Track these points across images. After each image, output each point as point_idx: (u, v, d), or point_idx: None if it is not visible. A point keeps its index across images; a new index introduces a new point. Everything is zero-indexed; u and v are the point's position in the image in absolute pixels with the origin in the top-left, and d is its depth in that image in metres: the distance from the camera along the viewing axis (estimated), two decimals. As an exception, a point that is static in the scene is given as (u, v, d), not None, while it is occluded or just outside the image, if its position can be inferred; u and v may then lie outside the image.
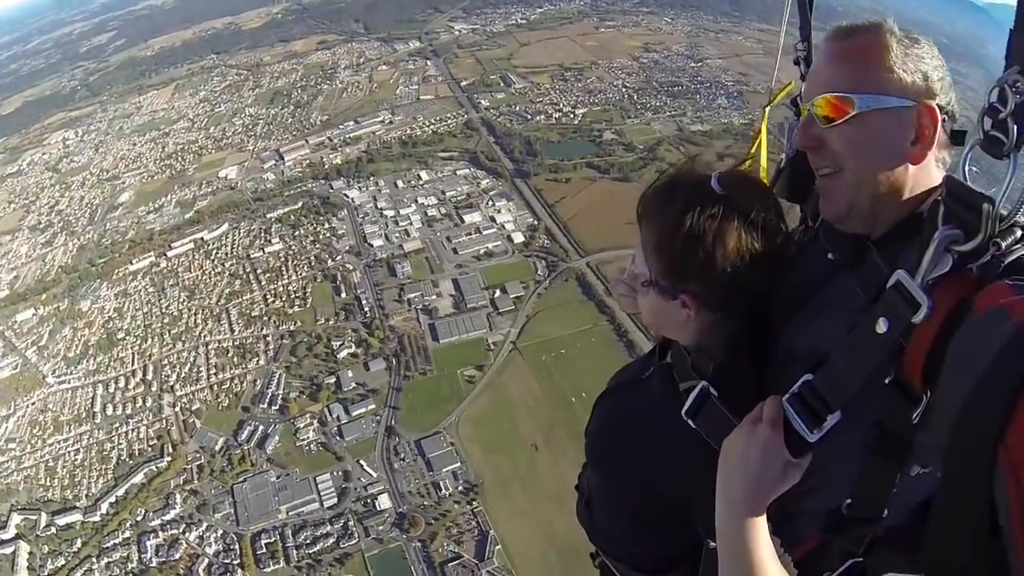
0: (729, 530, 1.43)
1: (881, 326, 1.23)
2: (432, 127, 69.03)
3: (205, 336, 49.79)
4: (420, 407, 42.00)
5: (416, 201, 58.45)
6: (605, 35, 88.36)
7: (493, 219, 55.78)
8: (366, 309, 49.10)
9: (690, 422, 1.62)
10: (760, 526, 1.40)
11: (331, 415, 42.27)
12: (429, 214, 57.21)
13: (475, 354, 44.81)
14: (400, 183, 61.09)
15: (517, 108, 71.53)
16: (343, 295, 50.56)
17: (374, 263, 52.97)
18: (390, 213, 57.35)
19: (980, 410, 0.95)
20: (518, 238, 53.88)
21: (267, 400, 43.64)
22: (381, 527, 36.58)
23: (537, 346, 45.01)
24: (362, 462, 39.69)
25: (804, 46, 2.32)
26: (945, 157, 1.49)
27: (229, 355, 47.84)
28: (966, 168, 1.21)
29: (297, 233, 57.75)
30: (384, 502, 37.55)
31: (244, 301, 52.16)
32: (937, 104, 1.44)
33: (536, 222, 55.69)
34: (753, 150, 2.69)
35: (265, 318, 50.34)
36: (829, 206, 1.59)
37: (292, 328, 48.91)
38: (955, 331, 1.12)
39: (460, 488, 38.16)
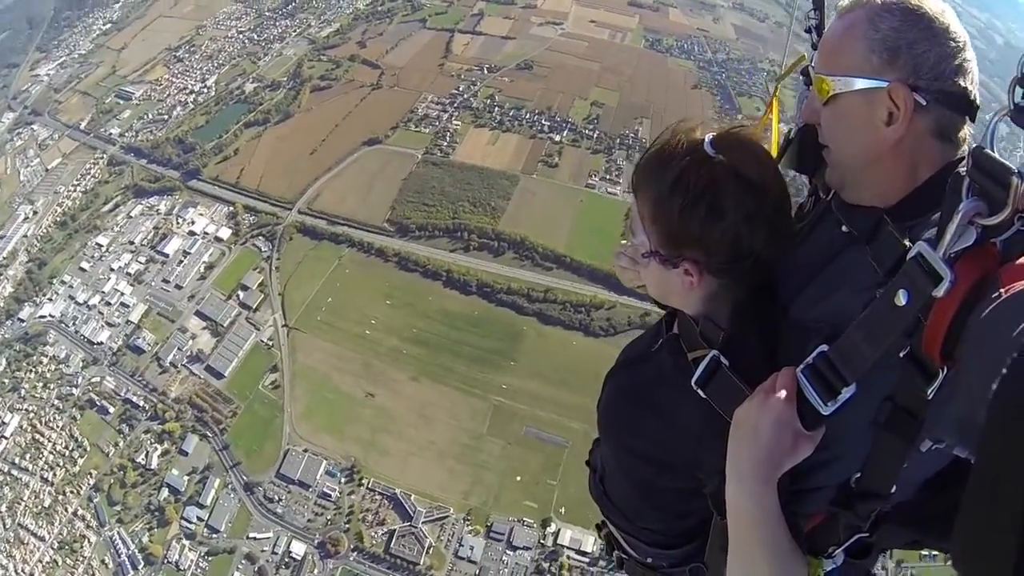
0: (740, 501, 1.26)
1: (900, 298, 1.02)
2: (79, 189, 50.81)
3: (22, 569, 34.77)
4: (255, 444, 34.28)
5: (112, 269, 43.90)
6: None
7: (193, 233, 44.60)
8: (141, 404, 37.04)
9: (700, 392, 1.38)
10: (771, 498, 1.23)
11: (191, 521, 32.98)
12: (132, 272, 43.67)
13: (262, 361, 36.99)
14: (85, 264, 45.49)
15: (150, 116, 55.69)
16: (112, 410, 37.67)
17: (115, 357, 39.65)
18: (96, 300, 42.74)
19: (1017, 393, 0.77)
20: (225, 233, 43.84)
21: (128, 566, 32.94)
22: (316, 570, 30.63)
23: (306, 312, 37.56)
24: (252, 535, 31.92)
25: (816, 14, 2.09)
26: (945, 127, 1.28)
27: (59, 563, 34.66)
28: (994, 140, 0.98)
29: (21, 392, 41.08)
30: (299, 548, 31.04)
31: (28, 502, 37.31)
32: (911, 82, 1.24)
33: (232, 208, 45.15)
34: (764, 120, 2.36)
35: (60, 497, 36.69)
36: (829, 176, 1.48)
37: (91, 481, 36.46)
38: (977, 306, 0.94)
39: (343, 480, 32.57)
